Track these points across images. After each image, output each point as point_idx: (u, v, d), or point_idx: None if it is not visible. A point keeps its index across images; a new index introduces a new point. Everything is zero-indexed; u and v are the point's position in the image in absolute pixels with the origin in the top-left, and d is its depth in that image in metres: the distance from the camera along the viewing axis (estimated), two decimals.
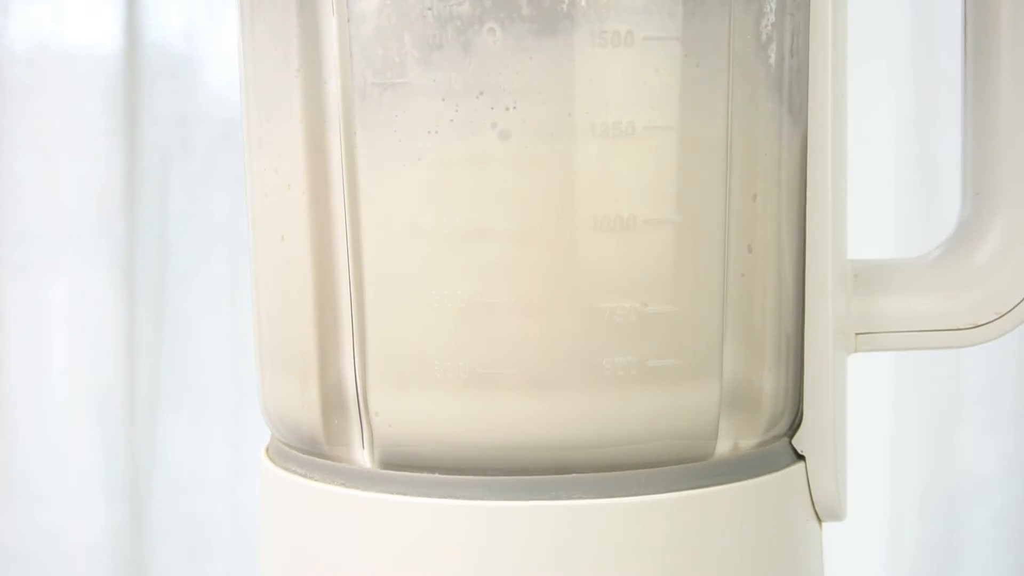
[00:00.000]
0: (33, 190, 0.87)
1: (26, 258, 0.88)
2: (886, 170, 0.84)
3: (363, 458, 0.41)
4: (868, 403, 0.82)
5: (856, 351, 0.45)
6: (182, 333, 0.89)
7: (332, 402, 0.41)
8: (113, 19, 0.86)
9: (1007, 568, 0.86)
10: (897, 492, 0.87)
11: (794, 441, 0.43)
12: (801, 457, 0.43)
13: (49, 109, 0.86)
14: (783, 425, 0.43)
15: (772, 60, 0.41)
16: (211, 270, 0.90)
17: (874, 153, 0.82)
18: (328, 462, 0.41)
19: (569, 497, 0.39)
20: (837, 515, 0.44)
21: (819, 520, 0.44)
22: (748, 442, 0.42)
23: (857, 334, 0.45)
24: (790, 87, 0.42)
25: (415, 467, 0.40)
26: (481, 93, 0.38)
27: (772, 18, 0.41)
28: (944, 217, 0.49)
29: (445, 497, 0.39)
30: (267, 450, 0.45)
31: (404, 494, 0.40)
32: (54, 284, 0.90)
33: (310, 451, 0.42)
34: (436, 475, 0.40)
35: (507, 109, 0.38)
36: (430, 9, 0.38)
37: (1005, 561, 0.87)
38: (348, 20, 0.39)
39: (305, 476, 0.42)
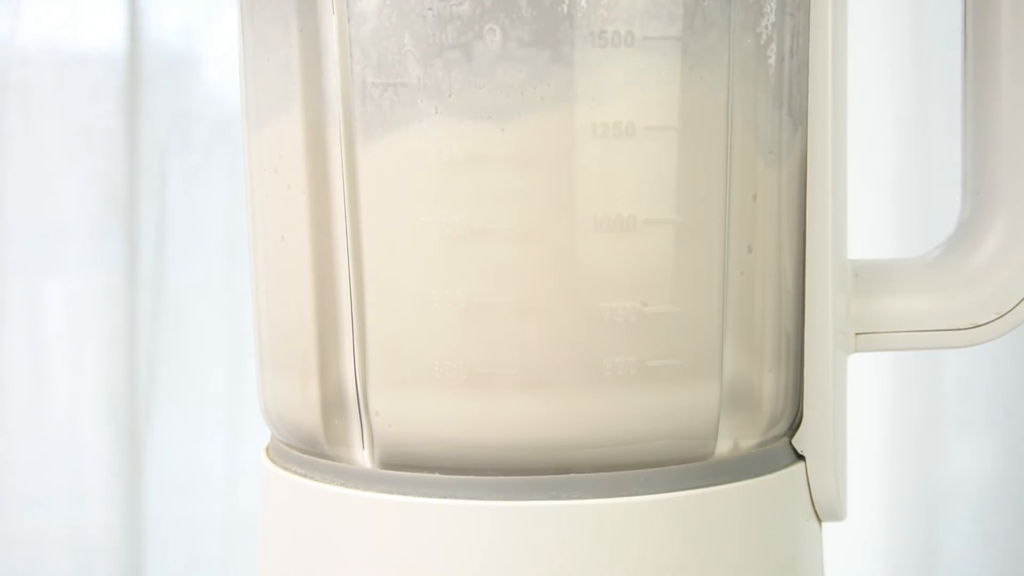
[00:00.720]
0: (38, 188, 0.87)
1: (30, 255, 0.88)
2: (886, 170, 0.84)
3: (363, 458, 0.41)
4: (868, 403, 0.81)
5: (856, 351, 0.45)
6: (179, 326, 0.89)
7: (332, 402, 0.41)
8: (116, 20, 0.87)
9: (1007, 568, 0.86)
10: (897, 492, 0.87)
11: (794, 441, 0.43)
12: (801, 457, 0.43)
13: (55, 109, 0.87)
14: (783, 425, 0.43)
15: (772, 60, 0.41)
16: (208, 267, 0.90)
17: (874, 153, 0.82)
18: (328, 462, 0.41)
19: (569, 497, 0.39)
20: (837, 515, 0.44)
21: (819, 520, 0.44)
22: (748, 442, 0.42)
23: (857, 334, 0.45)
24: (790, 87, 0.42)
25: (415, 467, 0.40)
26: (481, 93, 0.38)
27: (772, 18, 0.41)
28: (944, 217, 0.48)
29: (445, 497, 0.39)
30: (267, 450, 0.45)
31: (404, 494, 0.40)
32: (57, 282, 0.90)
33: (310, 451, 0.42)
34: (436, 475, 0.40)
35: (507, 109, 0.38)
36: (430, 9, 0.38)
37: (1005, 561, 0.87)
38: (348, 20, 0.39)
39: (305, 476, 0.42)
